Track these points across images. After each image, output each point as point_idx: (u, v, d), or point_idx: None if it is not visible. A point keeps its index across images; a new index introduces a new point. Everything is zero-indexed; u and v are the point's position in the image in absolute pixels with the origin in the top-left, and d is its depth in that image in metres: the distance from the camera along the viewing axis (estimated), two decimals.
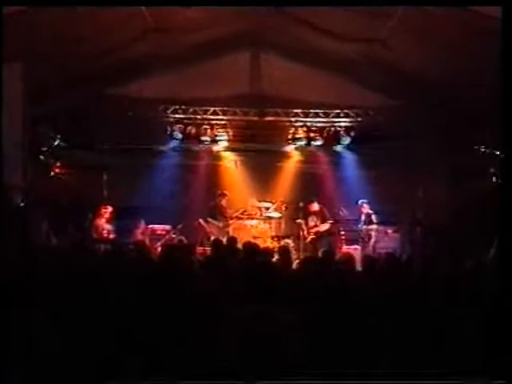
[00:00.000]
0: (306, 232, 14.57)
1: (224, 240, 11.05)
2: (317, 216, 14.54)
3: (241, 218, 14.88)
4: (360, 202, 14.60)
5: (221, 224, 14.58)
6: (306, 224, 14.64)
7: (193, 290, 3.52)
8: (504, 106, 5.89)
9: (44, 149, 14.22)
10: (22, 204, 11.51)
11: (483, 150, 13.15)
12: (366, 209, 14.49)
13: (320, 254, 9.49)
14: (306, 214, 14.70)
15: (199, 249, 12.34)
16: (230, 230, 14.58)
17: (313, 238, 14.44)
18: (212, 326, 3.05)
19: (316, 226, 14.47)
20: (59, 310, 3.35)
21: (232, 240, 9.96)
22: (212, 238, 13.58)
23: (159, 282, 4.25)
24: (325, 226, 14.46)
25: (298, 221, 14.84)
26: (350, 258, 7.48)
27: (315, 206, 14.58)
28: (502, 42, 6.27)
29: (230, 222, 14.71)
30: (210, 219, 14.59)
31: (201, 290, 3.45)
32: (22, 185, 11.81)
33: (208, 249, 11.27)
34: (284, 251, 9.64)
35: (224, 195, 14.90)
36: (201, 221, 14.61)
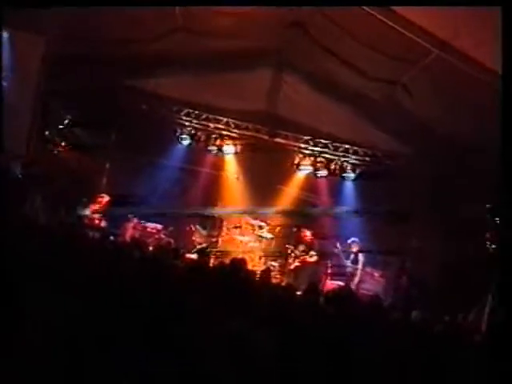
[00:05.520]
0: (292, 259, 14.49)
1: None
2: (307, 245, 14.44)
3: (232, 232, 14.81)
4: (351, 239, 14.52)
5: (211, 234, 14.47)
6: (295, 251, 14.55)
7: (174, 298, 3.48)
8: (504, 106, 5.85)
9: (52, 126, 14.19)
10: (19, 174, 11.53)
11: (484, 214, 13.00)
12: (356, 247, 14.41)
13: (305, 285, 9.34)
14: (297, 241, 14.64)
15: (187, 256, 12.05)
16: (220, 241, 14.52)
17: (297, 266, 14.33)
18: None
19: (304, 254, 14.36)
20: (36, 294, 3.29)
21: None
22: (198, 246, 13.60)
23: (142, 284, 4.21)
24: (312, 258, 14.35)
25: (288, 246, 14.80)
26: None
27: (307, 236, 14.51)
28: (502, 43, 6.25)
29: (222, 234, 14.64)
30: (198, 227, 14.51)
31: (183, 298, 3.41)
32: (23, 156, 11.83)
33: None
34: (265, 273, 9.69)
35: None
36: (192, 227, 14.54)
